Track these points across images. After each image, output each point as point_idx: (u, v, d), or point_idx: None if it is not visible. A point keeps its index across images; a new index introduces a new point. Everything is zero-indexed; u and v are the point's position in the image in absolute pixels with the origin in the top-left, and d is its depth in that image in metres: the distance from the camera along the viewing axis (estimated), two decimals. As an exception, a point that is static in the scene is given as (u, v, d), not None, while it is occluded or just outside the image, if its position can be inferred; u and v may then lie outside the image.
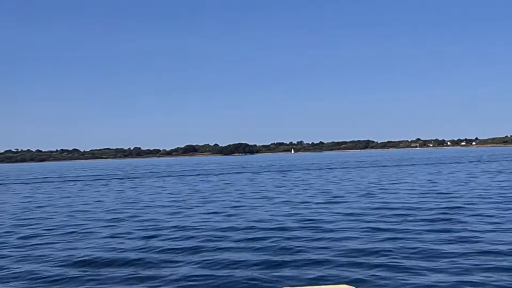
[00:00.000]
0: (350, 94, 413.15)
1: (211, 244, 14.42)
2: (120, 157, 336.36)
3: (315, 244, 14.02)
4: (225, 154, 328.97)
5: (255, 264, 11.84)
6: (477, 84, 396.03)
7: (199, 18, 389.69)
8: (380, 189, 31.49)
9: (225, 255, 12.87)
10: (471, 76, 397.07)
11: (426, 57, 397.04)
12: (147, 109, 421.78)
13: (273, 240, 14.75)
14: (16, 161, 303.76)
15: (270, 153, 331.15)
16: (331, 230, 16.04)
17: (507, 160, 75.77)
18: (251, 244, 14.23)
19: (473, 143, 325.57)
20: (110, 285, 10.70)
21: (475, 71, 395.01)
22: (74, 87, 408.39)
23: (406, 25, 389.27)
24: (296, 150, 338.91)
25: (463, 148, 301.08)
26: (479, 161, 77.81)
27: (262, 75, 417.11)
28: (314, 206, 23.30)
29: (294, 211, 21.42)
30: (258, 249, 13.53)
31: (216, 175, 61.28)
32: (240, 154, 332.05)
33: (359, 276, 10.52)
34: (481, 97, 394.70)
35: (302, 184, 38.95)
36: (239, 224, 18.27)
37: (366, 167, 68.35)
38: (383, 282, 10.23)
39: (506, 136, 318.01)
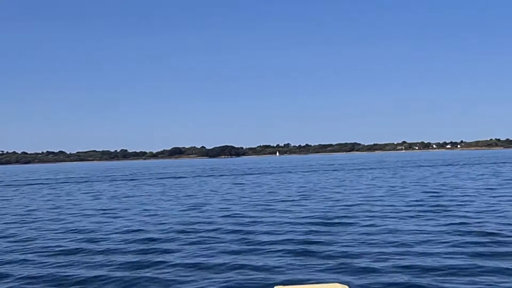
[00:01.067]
0: (339, 97, 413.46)
1: None
2: (106, 159, 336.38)
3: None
4: (211, 157, 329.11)
5: None
6: (464, 87, 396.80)
7: (186, 20, 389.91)
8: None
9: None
10: (458, 79, 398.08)
11: (414, 60, 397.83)
12: (136, 111, 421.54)
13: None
14: (1, 163, 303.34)
15: (256, 156, 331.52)
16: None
17: (442, 166, 76.05)
18: None
19: (458, 146, 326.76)
20: None
21: (461, 75, 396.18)
22: (61, 88, 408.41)
23: (393, 28, 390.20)
24: (282, 153, 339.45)
25: (447, 151, 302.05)
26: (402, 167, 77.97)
27: (251, 77, 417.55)
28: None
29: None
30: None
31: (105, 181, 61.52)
32: (226, 156, 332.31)
33: None
34: (468, 100, 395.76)
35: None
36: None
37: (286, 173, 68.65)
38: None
39: (491, 139, 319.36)
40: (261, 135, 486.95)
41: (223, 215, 21.99)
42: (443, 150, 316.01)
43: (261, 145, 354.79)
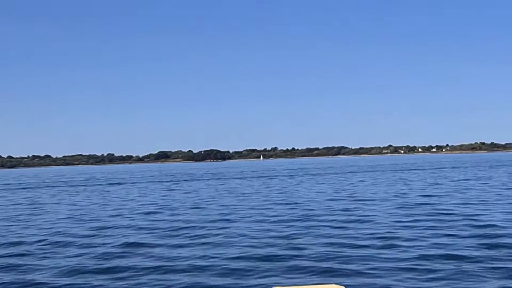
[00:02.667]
0: (330, 99, 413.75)
1: None
2: (92, 163, 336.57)
3: None
4: (196, 161, 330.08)
5: None
6: (454, 89, 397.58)
7: (174, 23, 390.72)
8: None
9: None
10: (448, 82, 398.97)
11: (402, 64, 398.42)
12: (123, 114, 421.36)
13: None
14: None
15: (241, 160, 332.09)
16: None
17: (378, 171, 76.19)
18: None
19: (443, 149, 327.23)
20: None
21: (450, 77, 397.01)
22: (48, 90, 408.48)
23: (380, 32, 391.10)
24: (268, 157, 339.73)
25: (432, 154, 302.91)
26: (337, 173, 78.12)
27: (238, 80, 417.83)
28: None
29: None
30: None
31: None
32: (212, 160, 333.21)
33: None
34: (457, 102, 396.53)
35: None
36: None
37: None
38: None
39: (476, 143, 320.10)
40: (249, 139, 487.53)
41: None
42: (428, 153, 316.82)
43: (248, 149, 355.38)
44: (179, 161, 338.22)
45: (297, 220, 21.73)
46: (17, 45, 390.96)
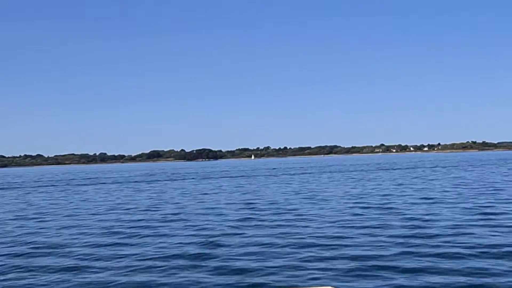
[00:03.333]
0: (321, 100, 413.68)
1: None
2: (84, 162, 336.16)
3: None
4: (188, 160, 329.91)
5: None
6: (445, 89, 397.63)
7: (166, 22, 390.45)
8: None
9: None
10: (438, 82, 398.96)
11: (396, 63, 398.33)
12: (116, 113, 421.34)
13: None
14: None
15: (232, 159, 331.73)
16: None
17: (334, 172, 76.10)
18: None
19: (435, 148, 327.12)
20: None
21: (441, 77, 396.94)
22: (40, 90, 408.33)
23: (372, 31, 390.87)
24: (260, 156, 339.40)
25: (424, 153, 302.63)
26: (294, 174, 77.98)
27: (233, 79, 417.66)
28: None
29: None
30: None
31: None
32: (204, 159, 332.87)
33: None
34: (447, 102, 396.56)
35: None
36: None
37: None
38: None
39: (467, 142, 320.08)
40: (243, 138, 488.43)
41: None
42: (420, 152, 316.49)
43: (240, 148, 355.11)
44: (171, 160, 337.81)
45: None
46: (15, 45, 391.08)
